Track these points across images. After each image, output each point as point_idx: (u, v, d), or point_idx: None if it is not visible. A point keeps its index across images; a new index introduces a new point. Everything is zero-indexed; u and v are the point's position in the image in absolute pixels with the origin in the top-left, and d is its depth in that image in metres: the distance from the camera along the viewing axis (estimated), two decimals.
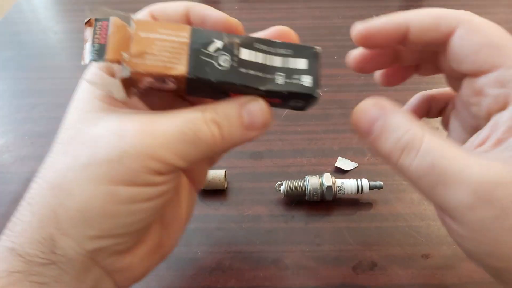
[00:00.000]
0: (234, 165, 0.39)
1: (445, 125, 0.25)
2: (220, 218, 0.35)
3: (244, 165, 0.39)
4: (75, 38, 0.60)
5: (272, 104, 0.21)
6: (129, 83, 0.19)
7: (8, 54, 0.57)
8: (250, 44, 0.19)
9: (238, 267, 0.31)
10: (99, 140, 0.18)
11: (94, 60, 0.18)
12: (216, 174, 0.36)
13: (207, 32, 0.19)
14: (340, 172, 0.39)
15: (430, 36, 0.20)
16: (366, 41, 0.21)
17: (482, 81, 0.19)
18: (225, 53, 0.19)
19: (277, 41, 0.20)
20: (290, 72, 0.20)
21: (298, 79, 0.20)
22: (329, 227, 0.34)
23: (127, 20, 0.18)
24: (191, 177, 0.26)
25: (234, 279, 0.31)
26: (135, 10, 0.22)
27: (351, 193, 0.35)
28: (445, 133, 0.25)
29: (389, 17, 0.21)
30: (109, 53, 0.18)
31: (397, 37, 0.21)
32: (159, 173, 0.19)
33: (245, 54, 0.19)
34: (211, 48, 0.19)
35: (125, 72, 0.18)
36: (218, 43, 0.19)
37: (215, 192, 0.37)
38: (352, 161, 0.39)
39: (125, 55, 0.18)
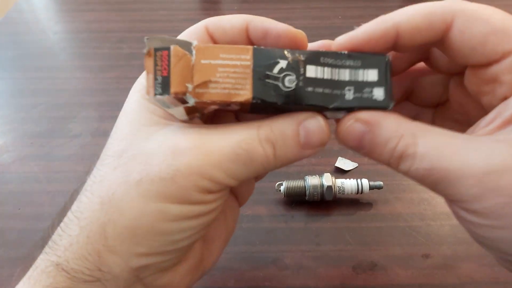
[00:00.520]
0: None
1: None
2: None
3: None
4: (75, 38, 0.60)
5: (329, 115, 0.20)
6: (193, 109, 0.19)
7: (8, 54, 0.57)
8: (316, 59, 0.18)
9: (237, 267, 0.31)
10: (151, 156, 0.18)
11: (160, 94, 0.17)
12: None
13: (269, 51, 0.18)
14: (340, 172, 0.39)
15: (424, 36, 0.18)
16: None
17: (495, 69, 0.18)
18: (290, 73, 0.18)
19: (344, 52, 0.19)
20: (360, 86, 0.18)
21: (370, 92, 0.18)
22: (329, 227, 0.34)
23: (187, 47, 0.18)
24: (237, 193, 0.25)
25: (234, 279, 0.30)
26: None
27: (351, 193, 0.35)
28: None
29: (373, 24, 0.19)
30: (174, 86, 0.17)
31: (385, 44, 0.19)
32: (210, 191, 0.18)
33: (311, 71, 0.18)
34: (276, 70, 0.18)
35: (190, 102, 0.18)
36: (282, 63, 0.18)
37: None
38: (352, 161, 0.39)
39: (189, 86, 0.17)
